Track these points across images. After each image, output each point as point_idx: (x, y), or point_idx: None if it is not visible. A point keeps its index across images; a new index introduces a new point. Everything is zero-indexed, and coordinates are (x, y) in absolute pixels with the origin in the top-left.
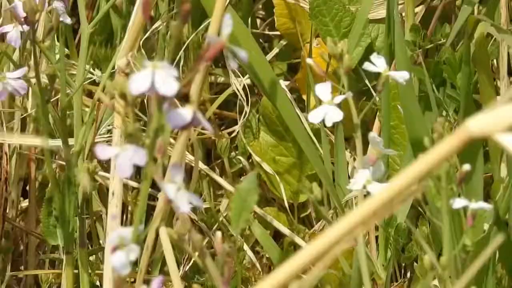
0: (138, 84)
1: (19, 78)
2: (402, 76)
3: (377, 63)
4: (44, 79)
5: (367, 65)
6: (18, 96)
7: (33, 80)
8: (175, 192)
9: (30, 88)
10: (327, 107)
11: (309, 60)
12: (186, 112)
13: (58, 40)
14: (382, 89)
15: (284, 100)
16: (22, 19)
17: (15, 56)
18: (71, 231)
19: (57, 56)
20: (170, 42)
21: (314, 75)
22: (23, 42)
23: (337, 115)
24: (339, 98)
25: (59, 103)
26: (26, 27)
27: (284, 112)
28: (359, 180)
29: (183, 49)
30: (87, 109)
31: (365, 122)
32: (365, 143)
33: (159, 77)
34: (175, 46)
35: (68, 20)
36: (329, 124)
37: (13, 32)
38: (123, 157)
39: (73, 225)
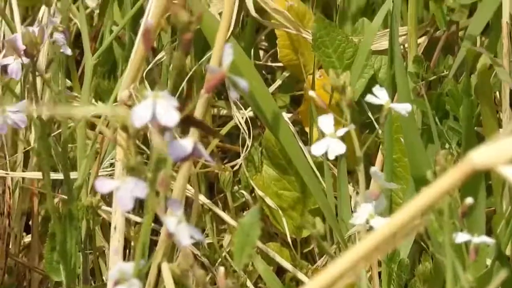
0: (139, 115)
1: (19, 111)
2: (404, 108)
3: (379, 95)
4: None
5: (369, 97)
6: (19, 129)
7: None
8: (176, 226)
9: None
10: (330, 140)
11: (311, 93)
12: (187, 143)
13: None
14: (385, 121)
15: (287, 133)
16: (22, 52)
17: (18, 87)
18: (74, 267)
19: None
20: (172, 72)
21: (317, 108)
22: (24, 74)
23: (340, 148)
24: (342, 131)
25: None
26: (26, 59)
27: (287, 145)
28: (362, 214)
29: (185, 80)
30: (90, 142)
31: (368, 155)
32: (368, 176)
33: (160, 108)
34: (177, 76)
35: (69, 52)
36: (331, 157)
37: (14, 64)
38: (124, 190)
39: (76, 260)
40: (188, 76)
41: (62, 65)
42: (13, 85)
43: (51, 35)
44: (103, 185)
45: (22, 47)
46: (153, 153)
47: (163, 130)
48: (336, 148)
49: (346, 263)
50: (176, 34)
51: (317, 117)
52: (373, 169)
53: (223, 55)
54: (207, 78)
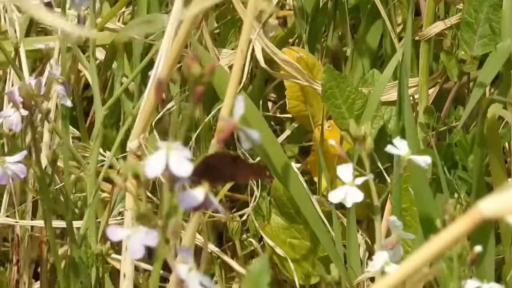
0: (153, 166)
1: (18, 162)
2: (424, 160)
3: (399, 146)
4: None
5: (389, 148)
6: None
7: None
8: (187, 273)
9: None
10: (348, 188)
11: (331, 141)
12: (198, 193)
13: (65, 123)
14: (404, 172)
15: (296, 183)
16: (20, 104)
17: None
18: None
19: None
20: (182, 124)
21: (325, 158)
22: (24, 126)
23: (357, 196)
24: (360, 180)
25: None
26: (24, 112)
27: (295, 194)
28: (378, 261)
29: (196, 132)
30: (99, 192)
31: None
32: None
33: (173, 158)
34: (186, 128)
35: (68, 103)
36: (349, 205)
37: (14, 116)
38: (135, 239)
39: None
40: (198, 129)
41: (66, 116)
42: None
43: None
44: (114, 233)
45: (19, 99)
46: (162, 201)
47: (174, 180)
48: (354, 196)
49: None
50: (185, 85)
51: (326, 167)
52: (391, 218)
53: (235, 107)
54: (219, 129)
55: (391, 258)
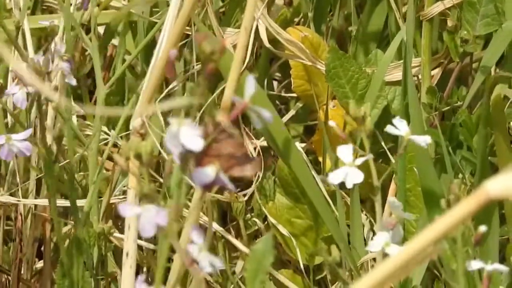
0: (172, 143)
1: (24, 139)
2: (424, 140)
3: (399, 126)
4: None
5: (389, 128)
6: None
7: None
8: (198, 253)
9: None
10: (348, 169)
11: (331, 123)
12: (210, 171)
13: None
14: (403, 152)
15: (300, 163)
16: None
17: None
18: None
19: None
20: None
21: (330, 138)
22: (29, 103)
23: (357, 177)
24: (360, 160)
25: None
26: (31, 89)
27: (300, 174)
28: (378, 242)
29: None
30: (103, 171)
31: (382, 184)
32: (382, 205)
33: (185, 134)
34: (191, 106)
35: (73, 81)
36: (349, 185)
37: (19, 94)
38: (146, 217)
39: (85, 286)
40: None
41: (70, 94)
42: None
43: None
44: (127, 210)
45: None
46: (167, 180)
47: (185, 157)
48: (354, 177)
49: None
50: (189, 64)
51: (331, 147)
52: (391, 199)
53: (245, 86)
54: (223, 107)
55: (391, 238)
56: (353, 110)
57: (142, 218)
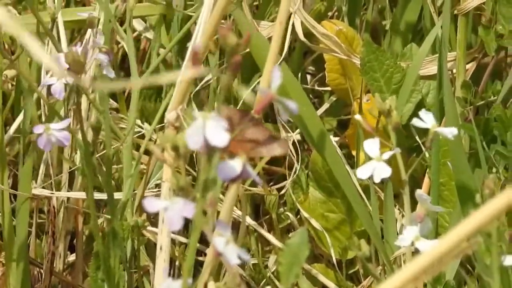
0: (193, 137)
1: (63, 129)
2: (451, 132)
3: (426, 119)
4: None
5: (415, 121)
6: (65, 147)
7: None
8: (224, 246)
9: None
10: (375, 163)
11: (357, 117)
12: (236, 164)
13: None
14: (431, 145)
15: (334, 156)
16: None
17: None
18: (118, 285)
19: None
20: (220, 95)
21: (364, 131)
22: (67, 94)
23: (385, 171)
24: (387, 154)
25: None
26: (69, 79)
27: (334, 168)
28: (407, 236)
29: (237, 104)
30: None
31: (415, 178)
32: (415, 200)
33: (210, 128)
34: (224, 98)
35: (112, 74)
36: (377, 180)
37: (57, 84)
38: (173, 210)
39: (120, 279)
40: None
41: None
42: (59, 106)
43: (95, 56)
44: (151, 205)
45: (65, 66)
46: (200, 174)
47: (212, 150)
48: (382, 172)
49: (393, 284)
50: (224, 56)
51: (364, 141)
52: (418, 192)
53: (272, 77)
54: (258, 100)
55: (420, 231)
56: (379, 103)
57: (170, 211)
